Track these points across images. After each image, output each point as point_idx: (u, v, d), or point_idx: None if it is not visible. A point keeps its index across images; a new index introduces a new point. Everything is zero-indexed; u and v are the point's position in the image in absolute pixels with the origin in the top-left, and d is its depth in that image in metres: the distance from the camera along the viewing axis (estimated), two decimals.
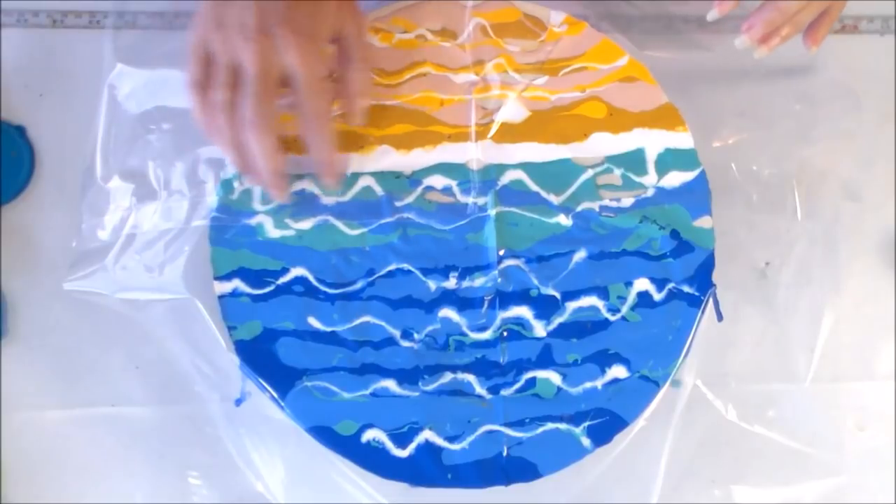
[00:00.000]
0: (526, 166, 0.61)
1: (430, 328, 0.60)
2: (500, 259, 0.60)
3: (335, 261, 0.60)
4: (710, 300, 0.60)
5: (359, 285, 0.60)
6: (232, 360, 0.59)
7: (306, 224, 0.60)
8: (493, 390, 0.59)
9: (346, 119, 0.59)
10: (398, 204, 0.60)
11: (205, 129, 0.56)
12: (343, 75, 0.58)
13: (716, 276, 0.60)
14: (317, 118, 0.56)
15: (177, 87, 0.61)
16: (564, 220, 0.60)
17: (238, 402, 0.60)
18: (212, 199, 0.60)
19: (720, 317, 0.60)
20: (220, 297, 0.60)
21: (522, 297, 0.60)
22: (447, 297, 0.60)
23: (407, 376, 0.59)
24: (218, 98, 0.54)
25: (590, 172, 0.61)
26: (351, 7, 0.57)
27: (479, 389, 0.60)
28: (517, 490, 0.59)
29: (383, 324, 0.60)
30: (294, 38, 0.53)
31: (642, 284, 0.60)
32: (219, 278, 0.60)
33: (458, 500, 0.59)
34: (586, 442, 0.59)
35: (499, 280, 0.60)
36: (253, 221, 0.60)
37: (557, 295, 0.60)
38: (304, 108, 0.56)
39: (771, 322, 0.62)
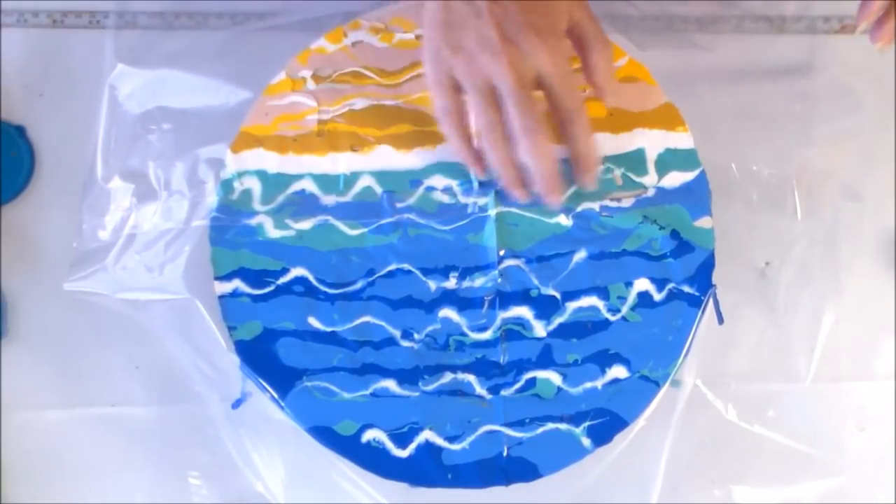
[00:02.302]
0: None
1: (430, 328, 0.60)
2: (501, 259, 0.60)
3: (335, 261, 0.60)
4: (711, 301, 0.60)
5: (359, 285, 0.60)
6: (232, 361, 0.59)
7: (306, 224, 0.60)
8: (494, 390, 0.60)
9: (600, 101, 0.59)
10: (399, 204, 0.60)
11: (466, 157, 0.57)
12: (587, 61, 0.57)
13: (716, 276, 0.60)
14: (578, 112, 0.56)
15: (177, 88, 0.61)
16: (565, 221, 0.60)
17: (235, 405, 0.60)
18: (212, 199, 0.60)
19: (721, 319, 0.60)
20: (221, 297, 0.60)
21: (522, 297, 0.60)
22: (447, 297, 0.60)
23: (407, 376, 0.59)
24: (483, 120, 0.54)
25: None
26: None
27: (480, 389, 0.60)
28: (517, 490, 0.59)
29: (383, 324, 0.60)
30: (538, 40, 0.53)
31: (642, 284, 0.60)
32: (219, 278, 0.60)
33: (458, 500, 0.59)
34: (586, 442, 0.59)
35: (499, 280, 0.60)
36: (253, 221, 0.60)
37: (557, 295, 0.60)
38: (563, 105, 0.55)
39: (771, 322, 0.62)
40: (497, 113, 0.54)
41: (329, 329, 0.60)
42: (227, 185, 0.61)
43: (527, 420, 0.59)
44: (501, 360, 0.60)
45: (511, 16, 0.53)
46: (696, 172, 0.61)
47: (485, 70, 0.54)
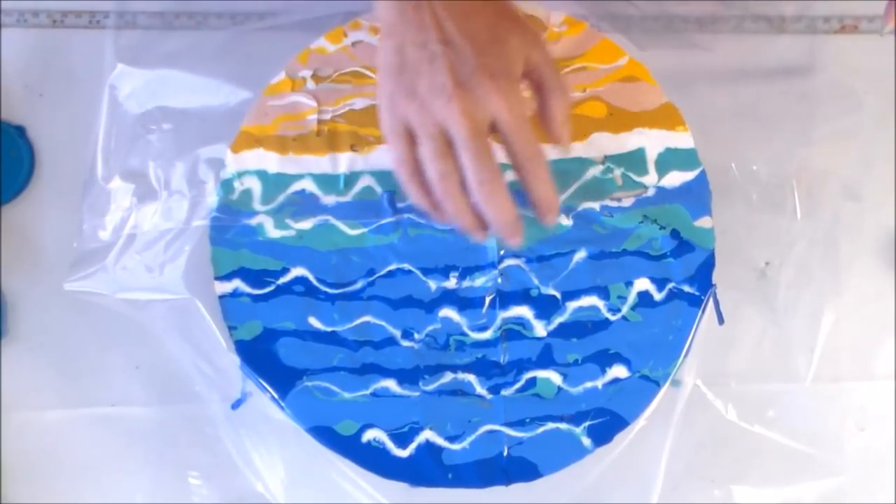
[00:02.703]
0: None
1: (430, 328, 0.60)
2: (501, 259, 0.60)
3: (335, 261, 0.60)
4: (711, 301, 0.60)
5: (359, 285, 0.60)
6: (232, 360, 0.59)
7: (306, 224, 0.60)
8: (494, 390, 0.60)
9: (556, 147, 0.55)
10: (399, 204, 0.61)
11: (425, 205, 0.54)
12: (544, 107, 0.54)
13: (716, 276, 0.60)
14: (535, 159, 0.53)
15: (177, 88, 0.61)
16: (565, 220, 0.60)
17: (235, 405, 0.60)
18: (212, 199, 0.61)
19: (721, 320, 0.60)
20: (221, 297, 0.60)
21: (523, 296, 0.60)
22: (447, 297, 0.60)
23: (407, 376, 0.59)
24: (436, 170, 0.52)
25: (590, 172, 0.61)
26: (533, 35, 0.53)
27: (480, 389, 0.60)
28: (517, 490, 0.59)
29: (384, 324, 0.60)
30: (492, 84, 0.50)
31: (643, 284, 0.60)
32: (219, 278, 0.60)
33: (458, 500, 0.59)
34: (587, 442, 0.59)
35: (499, 280, 0.60)
36: (253, 221, 0.60)
37: (558, 295, 0.60)
38: (519, 152, 0.52)
39: (771, 322, 0.62)
40: (450, 162, 0.52)
41: (329, 329, 0.60)
42: (227, 185, 0.61)
43: (527, 420, 0.59)
44: (502, 360, 0.60)
45: (465, 59, 0.51)
46: (696, 172, 0.61)
47: (437, 117, 0.51)
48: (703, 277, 0.60)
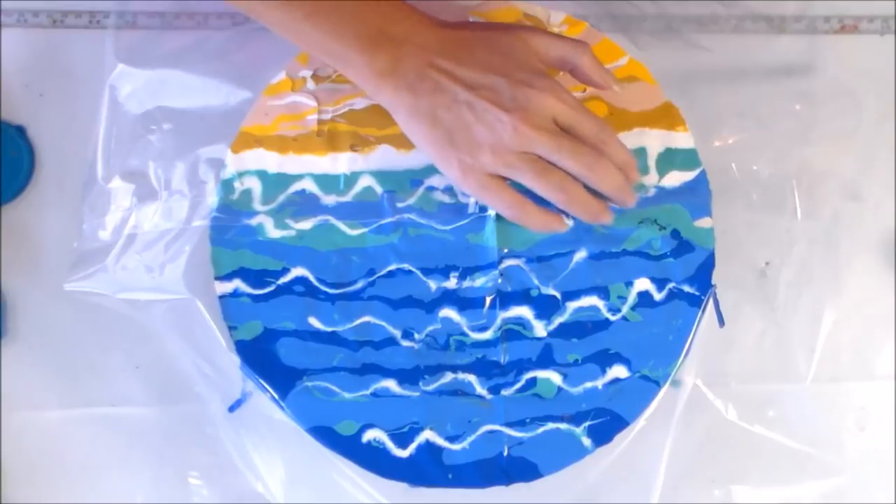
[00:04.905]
0: None
1: (430, 328, 0.60)
2: (501, 259, 0.60)
3: (336, 261, 0.60)
4: (711, 301, 0.60)
5: (359, 285, 0.60)
6: (232, 361, 0.59)
7: (307, 224, 0.60)
8: (494, 390, 0.60)
9: (607, 91, 0.58)
10: (399, 204, 0.61)
11: (553, 227, 0.56)
12: (576, 71, 0.56)
13: (716, 276, 0.61)
14: (604, 130, 0.55)
15: (177, 88, 0.61)
16: (565, 220, 0.60)
17: (233, 407, 0.60)
18: (212, 199, 0.61)
19: (721, 321, 0.60)
20: (221, 297, 0.60)
21: (523, 296, 0.60)
22: (448, 297, 0.60)
23: (407, 376, 0.59)
24: (550, 185, 0.54)
25: None
26: (521, 29, 0.56)
27: (480, 389, 0.60)
28: (518, 490, 0.59)
29: (384, 324, 0.60)
30: (534, 91, 0.53)
31: (643, 284, 0.60)
32: (219, 278, 0.60)
33: (458, 500, 0.59)
34: (587, 442, 0.59)
35: (499, 280, 0.60)
36: (253, 221, 0.60)
37: (558, 295, 0.60)
38: (588, 132, 0.54)
39: (771, 322, 0.62)
40: (555, 172, 0.54)
41: (329, 329, 0.60)
42: (227, 185, 0.61)
43: (527, 420, 0.59)
44: (502, 360, 0.60)
45: (497, 88, 0.53)
46: (696, 172, 0.61)
47: (514, 148, 0.53)
48: (703, 277, 0.60)
